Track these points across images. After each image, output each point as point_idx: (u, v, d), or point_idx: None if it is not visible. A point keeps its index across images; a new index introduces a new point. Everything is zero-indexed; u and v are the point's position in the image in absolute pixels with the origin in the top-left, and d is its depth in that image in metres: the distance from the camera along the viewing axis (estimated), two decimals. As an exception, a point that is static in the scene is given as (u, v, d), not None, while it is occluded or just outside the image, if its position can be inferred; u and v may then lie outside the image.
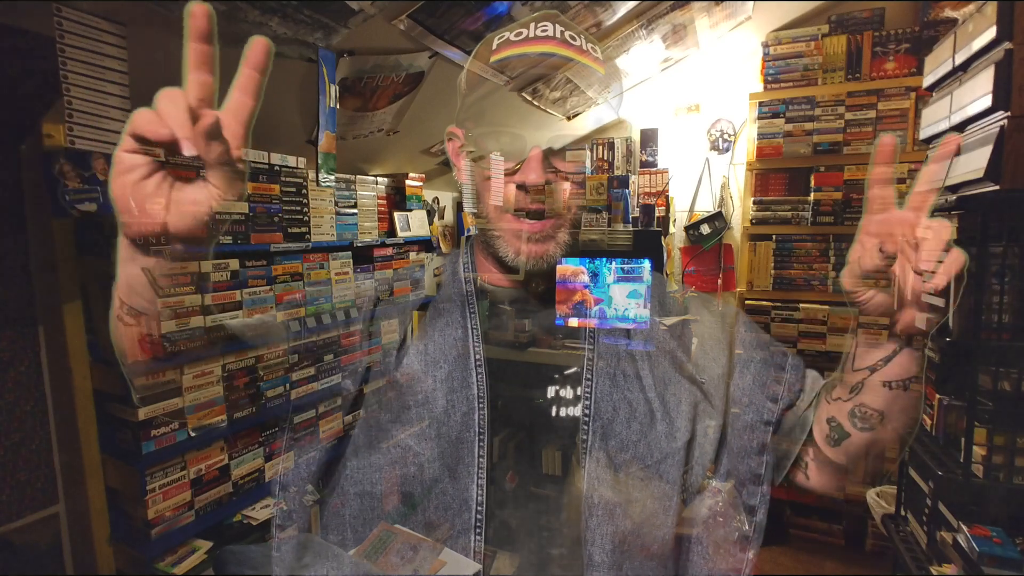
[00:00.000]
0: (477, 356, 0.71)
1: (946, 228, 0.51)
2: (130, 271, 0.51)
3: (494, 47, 0.69)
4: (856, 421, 0.62)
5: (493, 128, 0.69)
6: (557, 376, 0.70)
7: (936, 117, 1.59)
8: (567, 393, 0.69)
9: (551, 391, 0.70)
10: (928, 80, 1.66)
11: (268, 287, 1.93)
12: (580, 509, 0.65)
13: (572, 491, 0.67)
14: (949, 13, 2.18)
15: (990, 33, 1.28)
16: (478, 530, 0.66)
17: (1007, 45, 1.25)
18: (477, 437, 0.68)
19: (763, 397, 0.68)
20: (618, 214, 2.77)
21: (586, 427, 0.67)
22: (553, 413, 0.69)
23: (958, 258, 0.50)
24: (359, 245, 2.39)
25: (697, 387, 0.70)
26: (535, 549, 0.67)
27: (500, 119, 0.70)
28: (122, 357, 0.57)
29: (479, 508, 0.66)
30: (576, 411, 0.68)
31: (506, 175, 0.67)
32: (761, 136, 2.70)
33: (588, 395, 0.68)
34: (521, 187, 0.66)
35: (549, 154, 0.67)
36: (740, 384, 0.69)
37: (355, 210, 2.40)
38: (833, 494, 0.68)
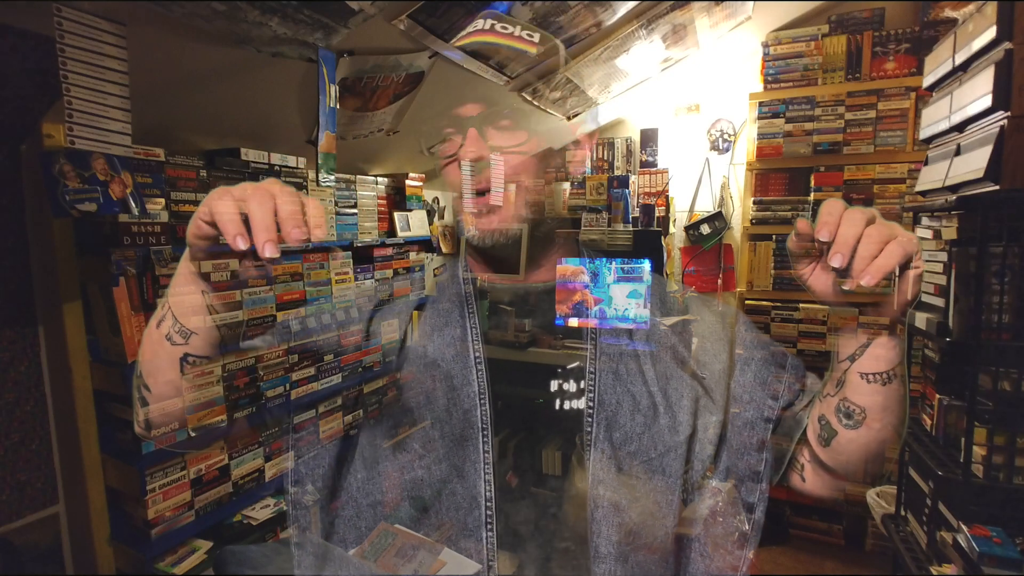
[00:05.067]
0: (477, 353, 0.71)
1: (859, 220, 0.52)
2: (190, 290, 0.59)
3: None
4: (841, 417, 0.62)
5: (434, 117, 0.72)
6: (560, 371, 0.71)
7: (936, 117, 1.59)
8: (570, 387, 0.70)
9: (554, 385, 0.70)
10: (928, 80, 1.67)
11: (268, 287, 1.93)
12: (585, 501, 0.66)
13: (578, 483, 0.67)
14: (949, 13, 2.18)
15: (990, 33, 1.29)
16: (489, 526, 0.66)
17: (1007, 45, 1.25)
18: (480, 433, 0.68)
19: (764, 394, 0.69)
20: (618, 214, 2.77)
21: (590, 419, 0.67)
22: (557, 406, 0.69)
23: (894, 250, 0.50)
24: (359, 245, 2.39)
25: (698, 382, 0.70)
26: (543, 543, 0.68)
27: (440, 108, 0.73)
28: (150, 374, 0.64)
29: (488, 504, 0.66)
30: (580, 404, 0.69)
31: (449, 158, 0.71)
32: (761, 136, 2.70)
33: (592, 388, 0.69)
34: (466, 168, 0.69)
35: (483, 129, 0.70)
36: (741, 381, 0.70)
37: (355, 210, 2.40)
38: (831, 498, 0.68)
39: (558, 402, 0.69)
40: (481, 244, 0.70)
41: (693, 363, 0.72)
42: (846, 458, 0.63)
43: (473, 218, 0.70)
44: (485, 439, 0.68)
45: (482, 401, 0.69)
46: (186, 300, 0.60)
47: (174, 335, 0.61)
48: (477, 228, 0.70)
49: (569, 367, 0.71)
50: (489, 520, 0.66)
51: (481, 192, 0.69)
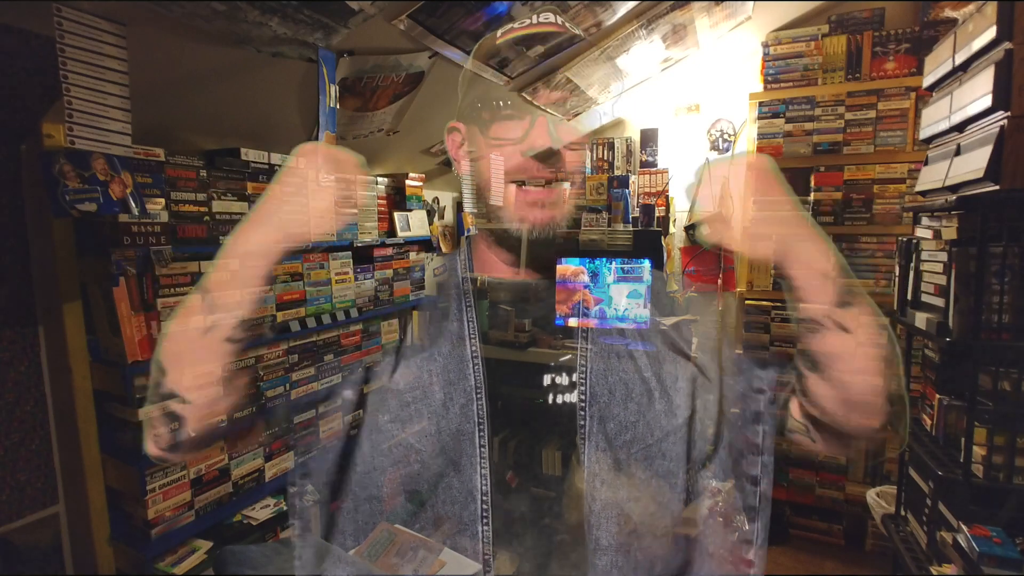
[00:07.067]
0: (474, 348, 0.72)
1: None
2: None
3: (498, 35, 0.72)
4: (804, 361, 0.60)
5: (497, 98, 0.70)
6: (552, 364, 0.71)
7: (936, 117, 1.59)
8: (563, 380, 0.70)
9: (547, 379, 0.70)
10: (928, 80, 1.67)
11: (268, 287, 1.93)
12: (583, 496, 0.66)
13: (577, 481, 0.67)
14: (949, 13, 2.18)
15: (990, 33, 1.29)
16: (485, 520, 0.66)
17: (1007, 45, 1.25)
18: (477, 427, 0.68)
19: (751, 365, 0.69)
20: (618, 214, 2.77)
21: (583, 412, 0.68)
22: (551, 402, 0.69)
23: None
24: (359, 245, 2.39)
25: (692, 361, 0.70)
26: (540, 537, 0.68)
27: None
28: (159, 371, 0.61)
29: (484, 498, 0.67)
30: (572, 397, 0.69)
31: (512, 143, 0.68)
32: (761, 136, 2.70)
33: (583, 380, 0.69)
34: (527, 156, 0.67)
35: (554, 124, 0.68)
36: (729, 355, 0.71)
37: (355, 210, 2.40)
38: (845, 453, 0.65)
39: (551, 397, 0.69)
40: (528, 237, 0.69)
41: (684, 344, 0.72)
42: (826, 403, 0.60)
43: (530, 211, 0.68)
44: (481, 433, 0.68)
45: (479, 395, 0.69)
46: None
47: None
48: (530, 221, 0.68)
49: (561, 360, 0.71)
50: (485, 514, 0.66)
51: (545, 183, 0.67)
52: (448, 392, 0.70)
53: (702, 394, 0.69)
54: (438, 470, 0.68)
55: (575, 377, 0.69)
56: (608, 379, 0.69)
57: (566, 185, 0.71)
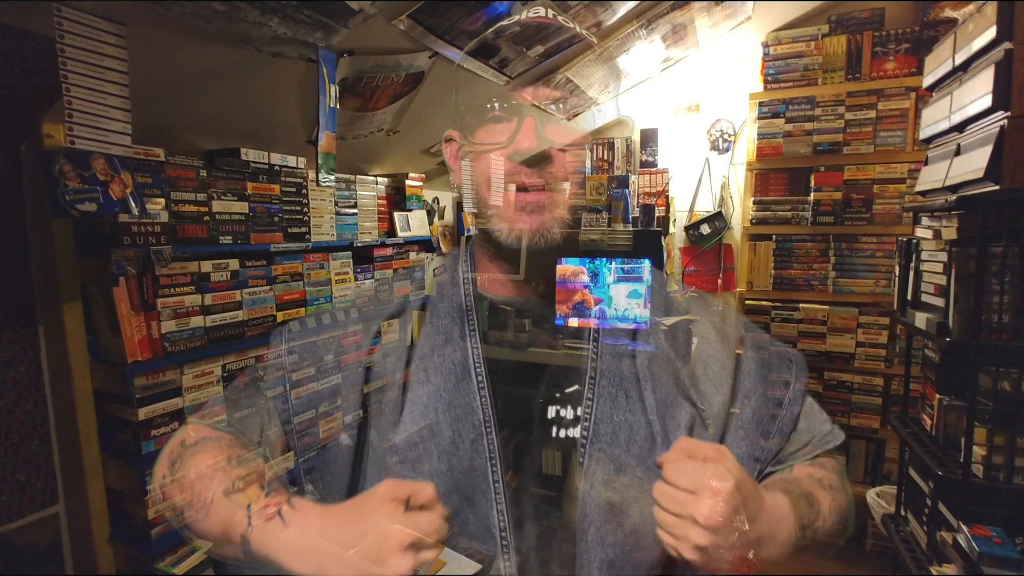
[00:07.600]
0: (480, 378, 0.69)
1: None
2: None
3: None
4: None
5: (485, 100, 0.67)
6: (559, 396, 0.68)
7: (936, 117, 1.59)
8: (567, 413, 0.67)
9: (551, 411, 0.68)
10: (928, 80, 1.67)
11: (268, 287, 1.93)
12: (574, 536, 0.64)
13: (569, 513, 0.66)
14: (949, 13, 2.18)
15: (990, 33, 1.29)
16: (506, 555, 0.64)
17: (1007, 45, 1.25)
18: (489, 463, 0.66)
19: (757, 432, 0.68)
20: (618, 214, 2.77)
21: (583, 449, 0.66)
22: (552, 433, 0.67)
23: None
24: (359, 245, 2.39)
25: (697, 412, 0.68)
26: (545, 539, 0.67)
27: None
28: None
29: (503, 534, 0.64)
30: (575, 432, 0.67)
31: (499, 147, 0.66)
32: (761, 136, 2.70)
33: (588, 416, 0.66)
34: (515, 158, 0.64)
35: (544, 123, 0.66)
36: (740, 416, 0.69)
37: (355, 210, 2.40)
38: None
39: (554, 429, 0.67)
40: (516, 245, 0.66)
41: (694, 390, 0.69)
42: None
43: (519, 217, 0.64)
44: (494, 468, 0.66)
45: (488, 429, 0.67)
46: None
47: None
48: (520, 227, 0.65)
49: (568, 391, 0.68)
50: (505, 548, 0.64)
51: (531, 188, 0.64)
52: (456, 428, 0.67)
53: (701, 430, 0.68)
54: (453, 508, 0.64)
55: (579, 411, 0.67)
56: (613, 418, 0.66)
57: (566, 186, 0.69)
